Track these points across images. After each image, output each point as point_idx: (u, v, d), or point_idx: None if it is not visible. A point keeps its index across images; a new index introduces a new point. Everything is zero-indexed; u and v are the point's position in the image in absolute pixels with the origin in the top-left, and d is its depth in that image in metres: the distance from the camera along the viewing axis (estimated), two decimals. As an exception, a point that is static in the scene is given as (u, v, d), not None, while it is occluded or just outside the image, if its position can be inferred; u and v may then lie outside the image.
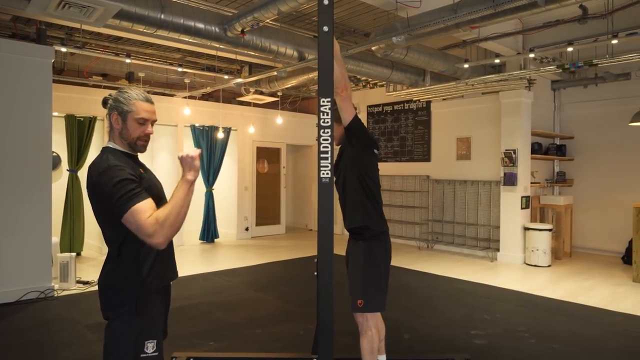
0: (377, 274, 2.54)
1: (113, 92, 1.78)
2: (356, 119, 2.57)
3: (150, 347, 1.63)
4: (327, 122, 1.95)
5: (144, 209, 1.54)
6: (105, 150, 1.72)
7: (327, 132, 1.95)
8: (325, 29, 1.98)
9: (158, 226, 1.52)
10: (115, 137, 1.74)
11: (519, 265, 6.68)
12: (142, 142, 1.74)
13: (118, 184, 1.55)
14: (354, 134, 2.58)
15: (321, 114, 1.96)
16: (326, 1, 1.98)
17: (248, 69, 7.16)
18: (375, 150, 2.69)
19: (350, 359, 3.00)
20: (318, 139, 1.97)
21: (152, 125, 1.77)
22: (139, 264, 1.63)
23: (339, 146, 2.68)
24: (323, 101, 1.96)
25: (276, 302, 4.84)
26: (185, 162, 1.62)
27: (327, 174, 1.95)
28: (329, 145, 1.95)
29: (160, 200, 1.69)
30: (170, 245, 1.80)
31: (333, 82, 2.00)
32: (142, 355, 1.61)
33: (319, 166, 1.95)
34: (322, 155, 1.95)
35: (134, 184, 1.58)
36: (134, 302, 1.61)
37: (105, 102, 1.76)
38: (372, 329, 2.55)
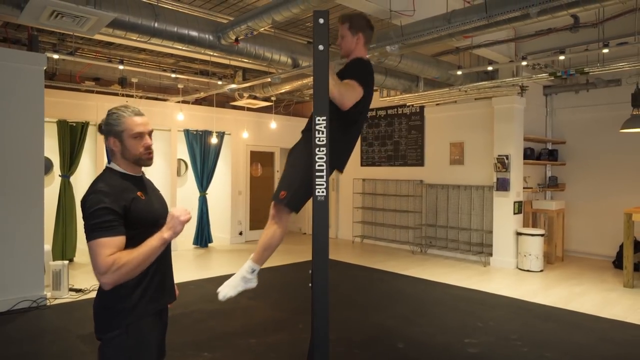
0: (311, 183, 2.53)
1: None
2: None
3: (143, 371, 1.62)
4: (323, 140, 1.95)
5: (108, 245, 1.52)
6: (105, 171, 1.71)
7: (323, 151, 1.95)
8: (321, 47, 1.97)
9: (113, 268, 1.50)
10: (117, 159, 1.73)
11: (512, 270, 6.73)
12: (146, 156, 1.73)
13: (96, 211, 1.54)
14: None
15: (316, 132, 1.95)
16: (321, 20, 1.98)
17: (242, 74, 7.15)
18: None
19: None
20: (313, 157, 1.96)
21: (150, 135, 1.75)
22: (133, 288, 1.62)
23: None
24: (318, 119, 1.95)
25: (270, 310, 4.83)
26: (173, 220, 1.60)
27: (323, 192, 1.94)
28: (324, 164, 1.94)
29: (156, 223, 1.66)
30: (168, 269, 1.79)
31: (328, 100, 2.00)
32: (134, 379, 1.60)
33: (315, 184, 1.94)
34: (317, 174, 1.94)
35: (112, 215, 1.55)
36: (126, 325, 1.61)
37: (101, 129, 1.75)
38: (281, 228, 2.56)
